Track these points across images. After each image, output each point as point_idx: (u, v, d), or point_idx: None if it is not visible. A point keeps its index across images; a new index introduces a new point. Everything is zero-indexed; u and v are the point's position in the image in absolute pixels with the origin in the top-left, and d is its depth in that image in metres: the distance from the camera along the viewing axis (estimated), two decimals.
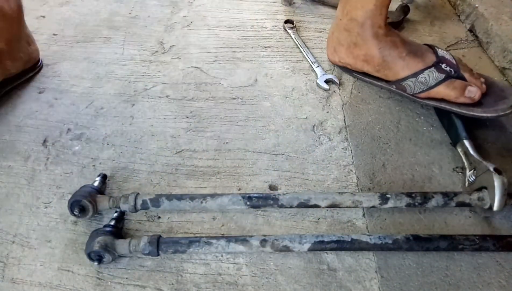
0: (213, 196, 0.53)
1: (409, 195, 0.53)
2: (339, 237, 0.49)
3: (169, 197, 0.53)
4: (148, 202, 0.52)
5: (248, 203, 0.53)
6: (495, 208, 0.51)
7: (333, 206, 0.53)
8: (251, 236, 0.50)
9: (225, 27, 0.91)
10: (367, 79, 0.75)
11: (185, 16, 0.95)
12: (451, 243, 0.49)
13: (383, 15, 0.67)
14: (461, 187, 0.59)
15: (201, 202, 0.52)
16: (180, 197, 0.53)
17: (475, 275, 0.50)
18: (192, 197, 0.53)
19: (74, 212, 0.50)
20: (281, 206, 0.53)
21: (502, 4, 0.87)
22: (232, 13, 0.96)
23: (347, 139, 0.66)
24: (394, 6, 0.93)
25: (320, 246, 0.49)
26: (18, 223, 0.54)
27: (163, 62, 0.81)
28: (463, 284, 0.49)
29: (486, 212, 0.54)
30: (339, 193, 0.54)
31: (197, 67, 0.79)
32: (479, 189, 0.54)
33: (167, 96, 0.73)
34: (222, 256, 0.51)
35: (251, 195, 0.53)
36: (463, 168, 0.61)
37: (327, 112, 0.71)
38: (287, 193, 0.54)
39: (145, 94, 0.73)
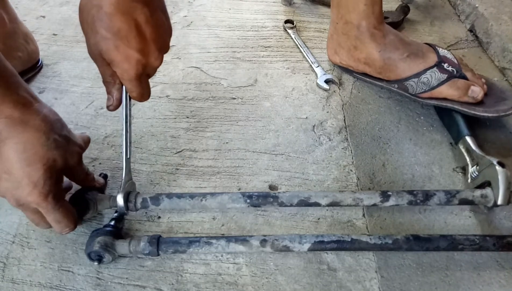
0: (213, 194, 0.53)
1: (410, 192, 0.52)
2: (339, 237, 0.49)
3: (169, 195, 0.53)
4: (148, 200, 0.52)
5: (248, 201, 0.52)
6: (499, 201, 0.50)
7: (333, 204, 0.52)
8: (251, 236, 0.50)
9: (225, 27, 0.91)
10: (367, 79, 0.74)
11: (185, 16, 0.95)
12: (451, 243, 0.49)
13: (376, 13, 0.67)
14: (461, 187, 0.59)
15: (201, 200, 0.52)
16: (180, 195, 0.53)
17: (475, 275, 0.50)
18: (192, 195, 0.53)
19: None
20: (281, 204, 0.52)
21: (502, 4, 0.87)
22: (232, 13, 0.96)
23: (347, 139, 0.66)
24: (394, 6, 0.93)
25: (320, 246, 0.49)
26: (18, 223, 0.54)
27: (163, 62, 0.80)
28: (463, 284, 0.49)
29: (489, 209, 0.54)
30: (340, 191, 0.53)
31: (197, 67, 0.80)
32: (482, 186, 0.54)
33: (167, 96, 0.73)
34: (222, 256, 0.51)
35: (251, 193, 0.53)
36: (464, 168, 0.61)
37: (327, 112, 0.71)
38: (287, 191, 0.54)
39: None
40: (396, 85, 0.69)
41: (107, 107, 0.48)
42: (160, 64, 0.45)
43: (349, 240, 0.49)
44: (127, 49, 0.41)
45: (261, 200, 0.52)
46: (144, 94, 0.47)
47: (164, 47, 0.45)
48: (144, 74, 0.45)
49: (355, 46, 0.70)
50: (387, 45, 0.67)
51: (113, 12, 0.39)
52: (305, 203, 0.52)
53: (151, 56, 0.43)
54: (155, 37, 0.42)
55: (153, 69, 0.46)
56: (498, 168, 0.51)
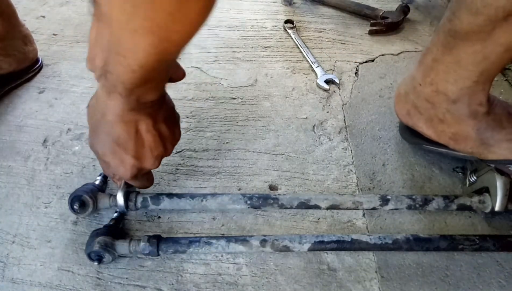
0: (213, 195, 0.53)
1: (409, 197, 0.53)
2: (339, 237, 0.49)
3: (170, 195, 0.53)
4: (149, 199, 0.52)
5: (248, 202, 0.52)
6: (497, 208, 0.50)
7: (333, 207, 0.53)
8: (251, 236, 0.50)
9: (225, 27, 0.91)
10: (443, 150, 0.59)
11: None
12: (451, 243, 0.49)
13: (487, 90, 0.50)
14: (460, 187, 0.59)
15: (202, 201, 0.52)
16: (180, 195, 0.53)
17: (475, 275, 0.50)
18: (192, 195, 0.53)
19: (74, 207, 0.50)
20: (282, 206, 0.53)
21: None
22: (232, 13, 0.96)
23: (347, 139, 0.66)
24: (394, 6, 0.93)
25: (320, 246, 0.49)
26: (18, 223, 0.54)
27: None
28: (463, 284, 0.49)
29: (487, 214, 0.54)
30: (340, 194, 0.53)
31: (197, 67, 0.79)
32: (480, 191, 0.54)
33: None
34: (222, 256, 0.51)
35: (251, 194, 0.53)
36: (463, 168, 0.61)
37: (327, 112, 0.71)
38: (287, 193, 0.54)
39: None
40: (493, 165, 0.54)
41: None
42: (156, 167, 0.47)
43: (349, 240, 0.49)
44: (123, 154, 0.43)
45: (261, 201, 0.52)
46: (143, 186, 0.51)
47: (162, 154, 0.46)
48: (140, 173, 0.47)
49: (442, 119, 0.54)
50: (489, 122, 0.52)
51: (115, 120, 0.41)
52: (305, 206, 0.52)
53: (147, 162, 0.45)
54: (153, 146, 0.44)
55: (150, 169, 0.47)
56: (497, 174, 0.51)
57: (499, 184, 0.50)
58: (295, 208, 0.53)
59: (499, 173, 0.51)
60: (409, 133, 0.62)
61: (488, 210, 0.52)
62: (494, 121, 0.52)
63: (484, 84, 0.50)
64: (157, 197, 0.52)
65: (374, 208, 0.53)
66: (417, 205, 0.53)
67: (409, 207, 0.53)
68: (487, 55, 0.46)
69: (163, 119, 0.44)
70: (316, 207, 0.52)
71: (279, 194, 0.53)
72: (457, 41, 0.48)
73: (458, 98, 0.51)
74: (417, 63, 0.57)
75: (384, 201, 0.52)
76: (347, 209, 0.53)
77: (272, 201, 0.52)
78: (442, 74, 0.52)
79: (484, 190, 0.53)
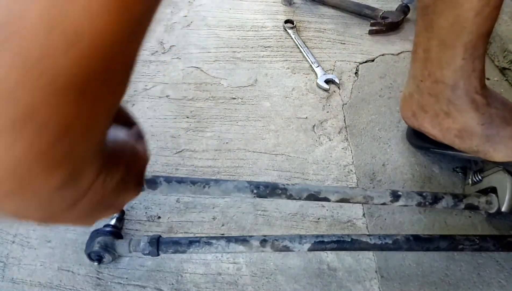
0: (217, 181, 0.50)
1: (420, 193, 0.51)
2: (339, 237, 0.49)
3: (168, 178, 0.49)
4: (143, 181, 0.49)
5: (255, 191, 0.49)
6: (503, 208, 0.50)
7: (343, 200, 0.50)
8: (251, 236, 0.49)
9: (225, 27, 0.91)
10: (450, 152, 0.58)
11: (185, 16, 0.95)
12: (451, 243, 0.49)
13: (478, 72, 0.51)
14: (461, 187, 0.59)
15: (204, 187, 0.49)
16: (180, 180, 0.49)
17: (475, 275, 0.50)
18: (193, 181, 0.49)
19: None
20: (290, 197, 0.50)
21: (503, 4, 0.87)
22: (232, 13, 0.96)
23: (347, 139, 0.66)
24: (394, 6, 0.93)
25: (320, 246, 0.49)
26: (18, 223, 0.54)
27: (163, 62, 0.81)
28: (463, 284, 0.49)
29: (489, 215, 0.54)
30: (350, 187, 0.53)
31: (197, 67, 0.80)
32: (485, 191, 0.53)
33: (167, 96, 0.73)
34: (222, 256, 0.51)
35: (258, 183, 0.50)
36: (463, 168, 0.61)
37: (327, 112, 0.71)
38: (296, 183, 0.52)
39: (145, 94, 0.73)
40: (501, 167, 0.54)
41: None
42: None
43: (349, 240, 0.49)
44: None
45: (269, 191, 0.49)
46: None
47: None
48: None
49: (447, 112, 0.54)
50: (493, 117, 0.52)
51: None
52: (314, 197, 0.50)
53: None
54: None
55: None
56: (508, 175, 0.50)
57: (510, 184, 0.49)
58: (303, 200, 0.50)
59: (509, 173, 0.50)
60: (416, 138, 0.62)
61: (493, 211, 0.51)
62: (498, 117, 0.52)
63: (474, 63, 0.51)
64: (153, 180, 0.48)
65: (384, 204, 0.51)
66: (427, 202, 0.51)
67: (419, 204, 0.51)
68: (463, 24, 0.48)
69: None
70: (326, 199, 0.50)
71: (287, 184, 0.51)
72: (432, 18, 0.50)
73: (456, 84, 0.52)
74: (412, 62, 0.58)
75: (395, 196, 0.50)
76: (357, 203, 0.51)
77: (280, 191, 0.49)
78: (435, 62, 0.53)
79: (490, 190, 0.53)
